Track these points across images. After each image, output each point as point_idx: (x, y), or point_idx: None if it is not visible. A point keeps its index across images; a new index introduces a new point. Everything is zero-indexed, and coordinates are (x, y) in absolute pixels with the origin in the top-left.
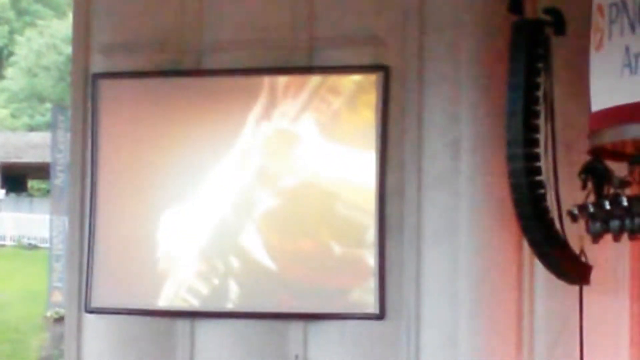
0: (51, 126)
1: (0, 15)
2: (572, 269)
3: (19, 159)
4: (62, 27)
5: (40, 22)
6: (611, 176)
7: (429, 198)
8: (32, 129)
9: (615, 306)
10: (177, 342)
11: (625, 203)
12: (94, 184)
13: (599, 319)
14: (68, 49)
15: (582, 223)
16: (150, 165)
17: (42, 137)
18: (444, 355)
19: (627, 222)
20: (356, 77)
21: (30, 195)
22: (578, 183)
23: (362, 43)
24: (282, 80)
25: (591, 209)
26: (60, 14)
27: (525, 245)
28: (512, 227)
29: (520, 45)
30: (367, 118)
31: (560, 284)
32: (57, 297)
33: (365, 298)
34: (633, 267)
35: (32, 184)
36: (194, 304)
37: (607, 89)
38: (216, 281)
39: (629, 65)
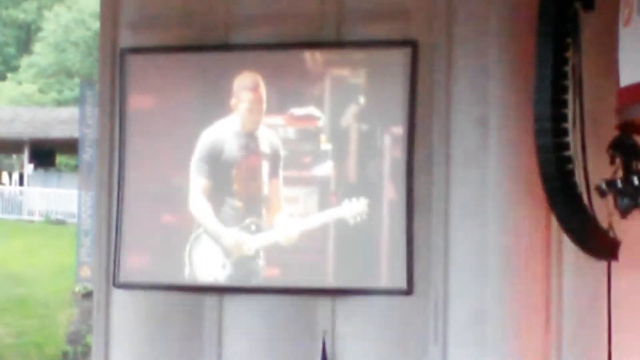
0: (79, 101)
1: None
2: (600, 244)
3: (47, 135)
4: (90, 2)
5: None
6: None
7: (457, 174)
8: (60, 104)
9: None
10: (205, 318)
11: None
12: (121, 159)
13: (627, 295)
14: (96, 24)
15: (610, 198)
16: (177, 140)
17: (71, 113)
18: (471, 331)
19: None
20: (384, 52)
21: (59, 171)
22: (606, 158)
23: (390, 17)
24: (309, 55)
25: (619, 185)
26: None
27: (554, 220)
28: (540, 202)
29: (548, 20)
30: (395, 93)
31: (588, 259)
32: (86, 272)
33: (393, 273)
34: None
35: (60, 159)
36: (222, 279)
37: (636, 63)
38: (244, 257)
39: None
